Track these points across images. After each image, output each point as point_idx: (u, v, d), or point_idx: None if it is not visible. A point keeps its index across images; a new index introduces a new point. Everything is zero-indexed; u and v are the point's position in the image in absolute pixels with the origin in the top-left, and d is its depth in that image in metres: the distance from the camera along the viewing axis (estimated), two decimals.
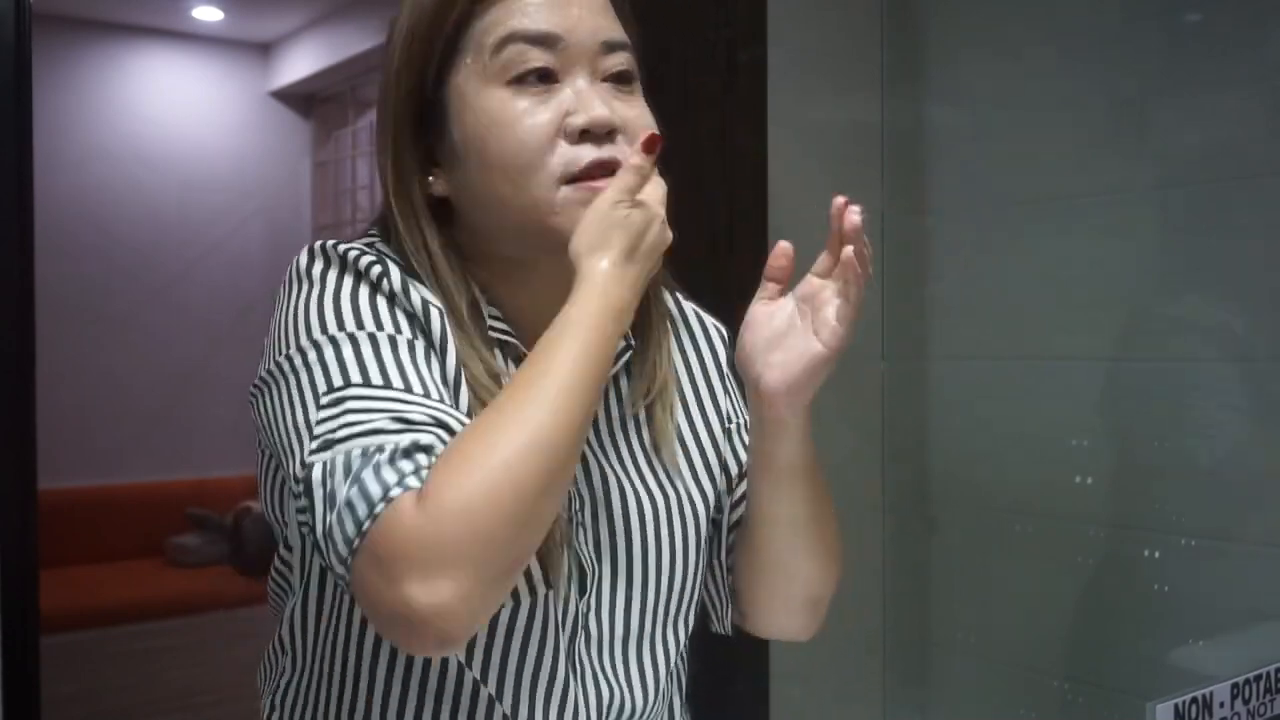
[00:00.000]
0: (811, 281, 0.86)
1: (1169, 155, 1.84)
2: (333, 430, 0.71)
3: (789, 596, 0.95)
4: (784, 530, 0.91)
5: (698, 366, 1.00)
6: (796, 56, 2.01)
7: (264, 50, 5.17)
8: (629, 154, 0.80)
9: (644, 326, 0.94)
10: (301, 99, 5.25)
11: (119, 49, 4.83)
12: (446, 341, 0.80)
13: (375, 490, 0.68)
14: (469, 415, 0.78)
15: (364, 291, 0.79)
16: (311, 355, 0.76)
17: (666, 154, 0.85)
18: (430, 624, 0.66)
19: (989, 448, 2.09)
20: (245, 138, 5.12)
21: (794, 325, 0.84)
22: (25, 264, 1.54)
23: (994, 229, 2.08)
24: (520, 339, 0.87)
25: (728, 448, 0.99)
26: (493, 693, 0.84)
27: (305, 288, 0.80)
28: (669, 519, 0.92)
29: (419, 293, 0.80)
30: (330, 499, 0.69)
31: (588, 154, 0.81)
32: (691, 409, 0.97)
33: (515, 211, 0.82)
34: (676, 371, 0.97)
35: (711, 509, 0.96)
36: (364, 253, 0.81)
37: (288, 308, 0.80)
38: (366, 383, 0.73)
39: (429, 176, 0.86)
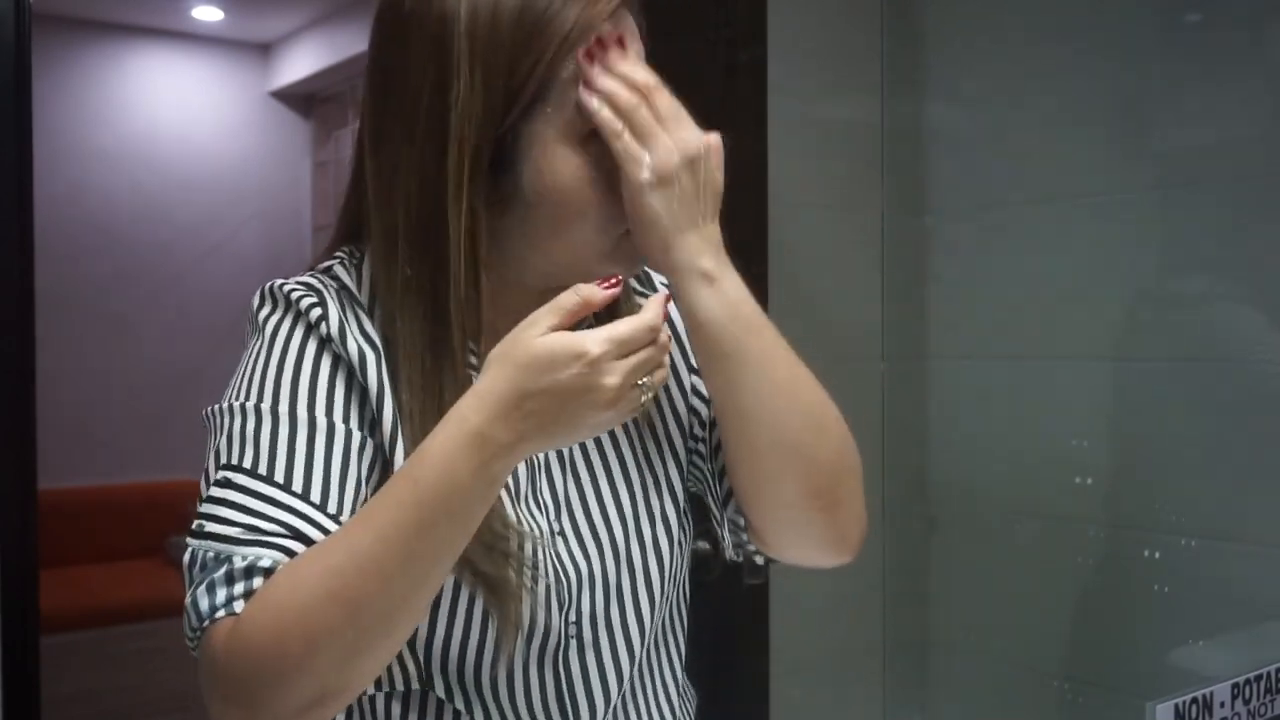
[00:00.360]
0: None
1: (1169, 155, 1.84)
2: (204, 518, 0.76)
3: (786, 486, 0.88)
4: (742, 398, 0.86)
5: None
6: (796, 56, 2.01)
7: (264, 50, 5.17)
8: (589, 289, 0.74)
9: (616, 313, 0.91)
10: (301, 99, 5.25)
11: (119, 49, 4.83)
12: (383, 388, 0.82)
13: (204, 607, 0.73)
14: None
15: (310, 347, 0.82)
16: (228, 421, 0.80)
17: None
18: None
19: (989, 448, 2.09)
20: (245, 138, 5.12)
21: None
22: (25, 264, 1.54)
23: (994, 229, 2.08)
24: None
25: (695, 401, 0.97)
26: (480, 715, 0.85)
27: (256, 341, 0.84)
28: (645, 501, 0.92)
29: (355, 339, 0.82)
30: (187, 585, 0.75)
31: None
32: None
33: (571, 251, 0.84)
34: None
35: (685, 473, 0.96)
36: (306, 293, 0.84)
37: (244, 355, 0.85)
38: (252, 470, 0.77)
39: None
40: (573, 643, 0.88)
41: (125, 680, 3.81)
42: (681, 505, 0.95)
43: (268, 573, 0.72)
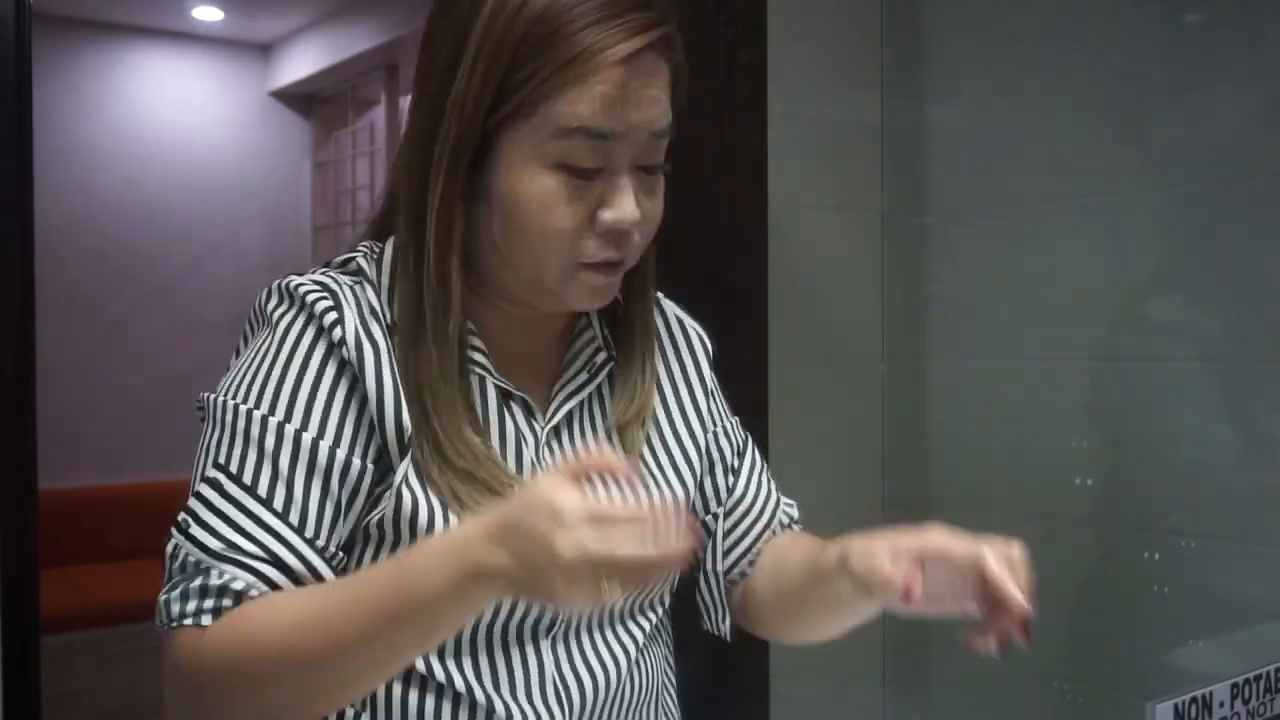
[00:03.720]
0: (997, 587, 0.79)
1: (1169, 155, 1.84)
2: (190, 516, 0.80)
3: (824, 633, 1.00)
4: (823, 609, 0.97)
5: (679, 373, 1.02)
6: (796, 56, 2.01)
7: (264, 50, 5.17)
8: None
9: (627, 339, 0.96)
10: (301, 99, 5.25)
11: (119, 49, 4.83)
12: (383, 387, 0.83)
13: (175, 611, 0.77)
14: (412, 441, 0.83)
15: (317, 352, 0.83)
16: (229, 418, 0.82)
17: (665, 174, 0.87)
18: None
19: (989, 448, 2.09)
20: (245, 138, 5.12)
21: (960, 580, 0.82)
22: (25, 264, 1.54)
23: (994, 229, 2.08)
24: (495, 368, 0.90)
25: (711, 452, 1.02)
26: (481, 699, 0.86)
27: (266, 337, 0.85)
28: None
29: (366, 342, 0.83)
30: (165, 578, 0.80)
31: (606, 251, 0.84)
32: (674, 416, 0.99)
33: (530, 268, 0.85)
34: (660, 383, 0.99)
35: (688, 508, 0.99)
36: (321, 294, 0.84)
37: (250, 348, 0.87)
38: (239, 478, 0.80)
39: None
40: (567, 629, 0.90)
41: (125, 680, 3.81)
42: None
43: (238, 595, 0.76)
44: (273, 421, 0.81)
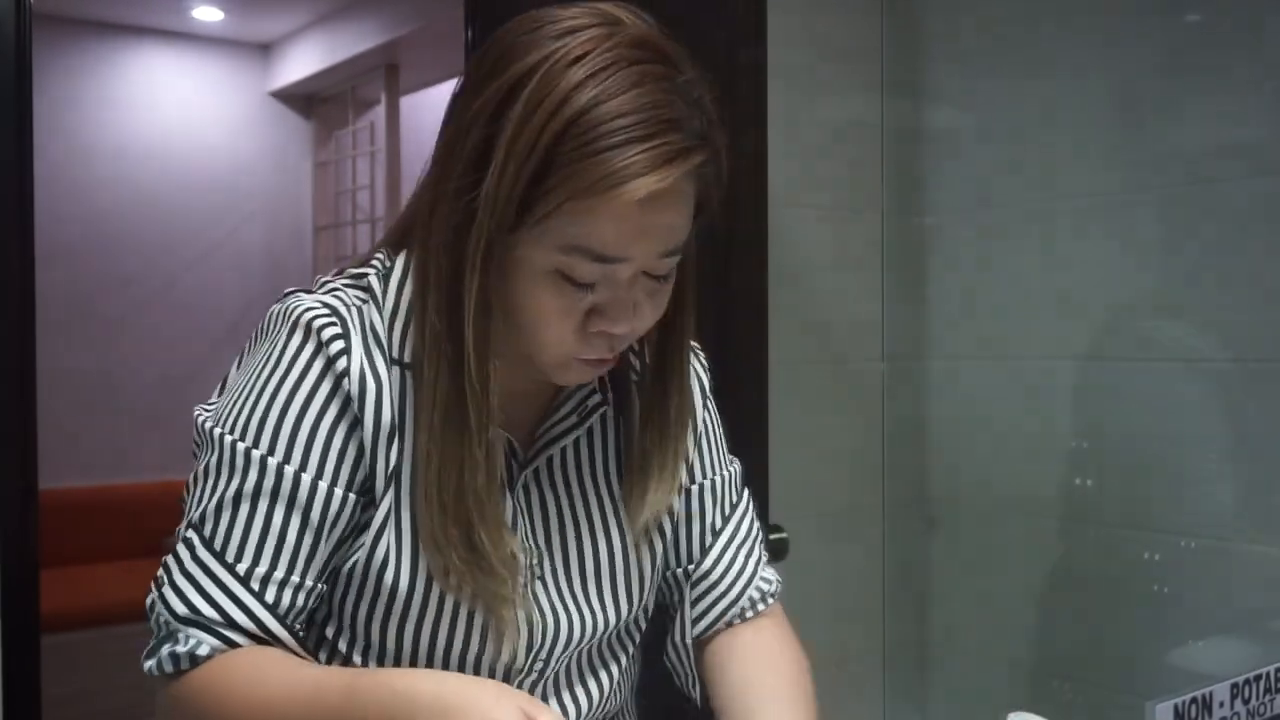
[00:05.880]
0: None
1: (1169, 155, 1.84)
2: (166, 576, 0.84)
3: None
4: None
5: None
6: (796, 56, 2.01)
7: (264, 50, 5.17)
8: None
9: (660, 415, 0.92)
10: (301, 99, 5.25)
11: (119, 49, 4.83)
12: (395, 426, 0.84)
13: (150, 664, 0.82)
14: (409, 486, 0.84)
15: (323, 388, 0.83)
16: (216, 456, 0.84)
17: None
18: None
19: (989, 448, 2.09)
20: (245, 138, 5.12)
21: None
22: (25, 264, 1.54)
23: (994, 229, 2.08)
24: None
25: (692, 504, 1.00)
26: None
27: (266, 360, 0.85)
28: (624, 565, 0.95)
29: (371, 376, 0.83)
30: (149, 620, 0.84)
31: (599, 351, 0.83)
32: None
33: (528, 350, 0.84)
34: None
35: (661, 555, 0.98)
36: (330, 320, 0.84)
37: (250, 369, 0.86)
38: (213, 548, 0.83)
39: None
40: (538, 679, 0.91)
41: (125, 680, 3.80)
42: (648, 585, 0.97)
43: (206, 659, 0.79)
44: (256, 455, 0.82)
